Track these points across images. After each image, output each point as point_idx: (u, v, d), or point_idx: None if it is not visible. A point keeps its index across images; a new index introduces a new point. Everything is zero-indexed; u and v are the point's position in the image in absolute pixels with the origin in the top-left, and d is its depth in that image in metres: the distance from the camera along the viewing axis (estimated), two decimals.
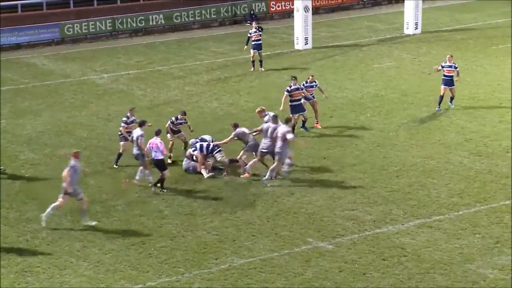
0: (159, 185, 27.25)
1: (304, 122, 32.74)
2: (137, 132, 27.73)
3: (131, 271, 22.08)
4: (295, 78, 32.40)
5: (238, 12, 56.08)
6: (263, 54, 42.94)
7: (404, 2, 51.48)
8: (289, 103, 32.12)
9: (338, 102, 36.14)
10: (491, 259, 22.24)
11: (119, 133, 29.56)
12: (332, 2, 58.79)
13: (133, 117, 29.51)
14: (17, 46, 49.97)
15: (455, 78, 34.61)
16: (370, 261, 22.36)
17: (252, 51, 42.51)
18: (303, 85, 32.73)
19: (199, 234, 24.23)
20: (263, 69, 42.69)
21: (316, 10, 53.75)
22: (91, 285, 21.39)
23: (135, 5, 54.49)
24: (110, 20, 52.45)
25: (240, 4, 56.21)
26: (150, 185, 27.38)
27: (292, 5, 49.21)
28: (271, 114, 29.02)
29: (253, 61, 42.78)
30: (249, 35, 42.89)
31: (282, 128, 27.63)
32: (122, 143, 29.38)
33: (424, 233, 23.92)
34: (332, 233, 24.10)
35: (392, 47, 47.52)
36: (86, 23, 51.71)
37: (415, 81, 39.05)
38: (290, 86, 32.05)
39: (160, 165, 27.23)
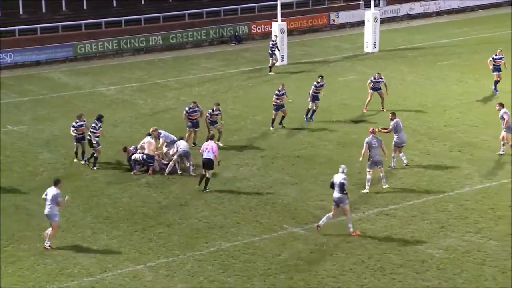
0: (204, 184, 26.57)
1: (283, 117, 33.51)
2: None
3: (134, 253, 22.02)
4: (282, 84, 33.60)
5: (225, 34, 55.98)
6: None
7: (364, 25, 51.59)
8: (274, 104, 33.03)
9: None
10: (438, 241, 22.30)
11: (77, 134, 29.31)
12: (304, 25, 58.78)
13: (83, 121, 29.34)
14: (37, 63, 49.69)
15: (383, 89, 35.54)
16: (337, 243, 22.38)
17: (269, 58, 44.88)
18: (277, 94, 33.07)
19: (192, 221, 24.18)
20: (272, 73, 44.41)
21: (290, 32, 53.69)
22: (100, 265, 21.32)
23: (138, 28, 54.37)
24: (116, 41, 52.20)
25: (226, 27, 56.15)
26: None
27: (271, 28, 49.17)
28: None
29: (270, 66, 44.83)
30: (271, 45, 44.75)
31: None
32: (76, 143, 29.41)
33: (381, 220, 23.96)
34: (304, 220, 24.10)
35: (355, 63, 47.54)
36: (95, 43, 51.46)
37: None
38: (279, 91, 32.89)
39: (209, 164, 26.39)
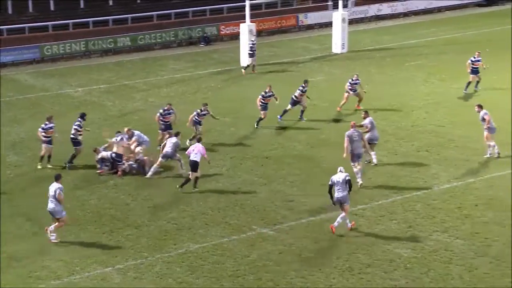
0: (184, 185, 26.65)
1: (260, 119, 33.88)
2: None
3: (102, 256, 21.90)
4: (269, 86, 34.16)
5: (193, 35, 55.93)
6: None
7: (332, 26, 51.81)
8: (260, 105, 33.50)
9: (280, 110, 36.05)
10: (405, 241, 22.43)
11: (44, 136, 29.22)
12: (272, 26, 58.92)
13: (53, 123, 29.32)
14: (3, 65, 49.27)
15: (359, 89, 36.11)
16: (305, 244, 22.44)
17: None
18: (263, 96, 33.60)
19: (160, 223, 24.11)
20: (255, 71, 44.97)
21: (259, 33, 53.79)
22: (68, 268, 21.17)
23: (105, 29, 54.13)
24: (83, 42, 51.96)
25: (194, 28, 56.11)
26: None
27: (239, 29, 49.20)
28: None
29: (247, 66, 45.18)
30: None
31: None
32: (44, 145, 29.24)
33: (350, 220, 24.06)
34: (273, 221, 24.13)
35: (323, 64, 47.74)
36: (63, 45, 51.17)
37: (343, 92, 39.24)
38: (266, 92, 33.51)
39: (195, 166, 26.45)
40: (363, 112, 29.33)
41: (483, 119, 29.20)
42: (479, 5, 68.59)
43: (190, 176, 26.60)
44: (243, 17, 48.85)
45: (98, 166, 28.58)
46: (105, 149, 28.85)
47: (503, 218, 23.86)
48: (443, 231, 22.95)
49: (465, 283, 20.05)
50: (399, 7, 65.02)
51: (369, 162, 28.49)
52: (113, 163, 28.37)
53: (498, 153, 29.17)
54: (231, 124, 34.48)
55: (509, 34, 54.36)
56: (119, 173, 28.19)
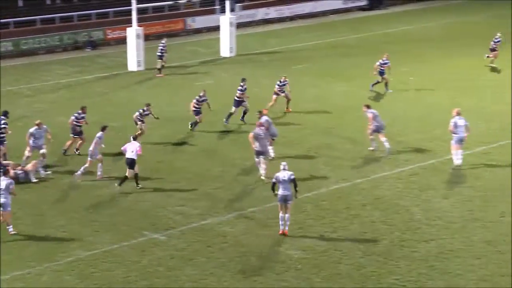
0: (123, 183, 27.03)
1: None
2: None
3: None
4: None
5: (79, 39, 55.03)
6: None
7: (220, 29, 52.01)
8: (194, 109, 33.64)
9: (169, 115, 35.88)
10: (296, 242, 22.74)
11: None
12: (160, 30, 58.61)
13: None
14: None
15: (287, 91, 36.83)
16: (197, 248, 22.44)
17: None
18: (197, 99, 33.75)
19: (48, 231, 23.61)
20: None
21: (147, 37, 53.36)
22: None
23: None
24: None
25: (80, 33, 55.21)
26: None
27: (126, 33, 48.68)
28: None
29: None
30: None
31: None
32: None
33: (241, 223, 24.22)
34: (164, 226, 24.02)
35: (212, 68, 47.83)
36: None
37: (232, 95, 39.41)
38: (200, 97, 33.64)
39: (132, 164, 26.57)
40: (258, 112, 29.97)
41: (369, 118, 30.28)
42: (362, 9, 70.28)
43: (127, 174, 26.69)
44: (130, 21, 48.38)
45: None
46: None
47: (389, 217, 24.54)
48: (333, 232, 23.38)
49: (354, 281, 20.51)
50: (285, 11, 65.88)
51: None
52: None
53: (389, 149, 30.09)
54: (118, 129, 33.94)
55: (391, 37, 56.06)
56: None
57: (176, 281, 20.49)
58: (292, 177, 22.94)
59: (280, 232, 23.03)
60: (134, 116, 32.16)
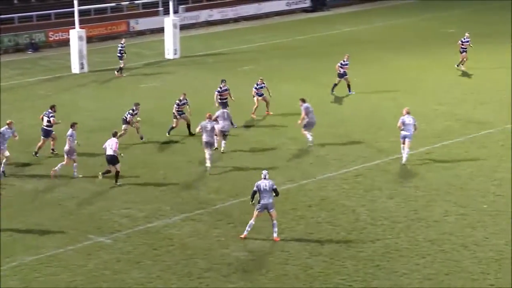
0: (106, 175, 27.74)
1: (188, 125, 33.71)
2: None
3: None
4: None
5: (20, 42, 54.25)
6: None
7: (164, 31, 51.82)
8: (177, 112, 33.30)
9: (113, 118, 35.50)
10: (243, 244, 22.81)
11: None
12: (103, 32, 58.15)
13: None
14: None
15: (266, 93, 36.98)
16: (143, 251, 22.35)
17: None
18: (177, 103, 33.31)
19: None
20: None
21: (90, 39, 52.87)
22: None
23: None
24: None
25: (21, 35, 54.45)
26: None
27: (69, 35, 48.17)
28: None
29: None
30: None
31: None
32: None
33: (188, 225, 24.19)
34: (110, 229, 23.87)
35: (156, 70, 47.61)
36: None
37: (177, 96, 39.33)
38: (180, 100, 33.23)
39: (112, 160, 27.30)
40: (208, 114, 30.11)
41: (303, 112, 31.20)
42: (305, 10, 70.73)
43: (109, 168, 27.40)
44: (73, 23, 47.86)
45: None
46: None
47: (334, 218, 24.77)
48: (279, 233, 23.46)
49: (301, 282, 20.64)
50: (229, 13, 65.92)
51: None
52: None
53: (311, 143, 31.23)
54: (65, 131, 33.48)
55: (335, 39, 56.53)
56: None
57: (122, 285, 20.37)
58: (274, 186, 23.06)
59: (243, 236, 23.04)
60: (129, 117, 32.17)
